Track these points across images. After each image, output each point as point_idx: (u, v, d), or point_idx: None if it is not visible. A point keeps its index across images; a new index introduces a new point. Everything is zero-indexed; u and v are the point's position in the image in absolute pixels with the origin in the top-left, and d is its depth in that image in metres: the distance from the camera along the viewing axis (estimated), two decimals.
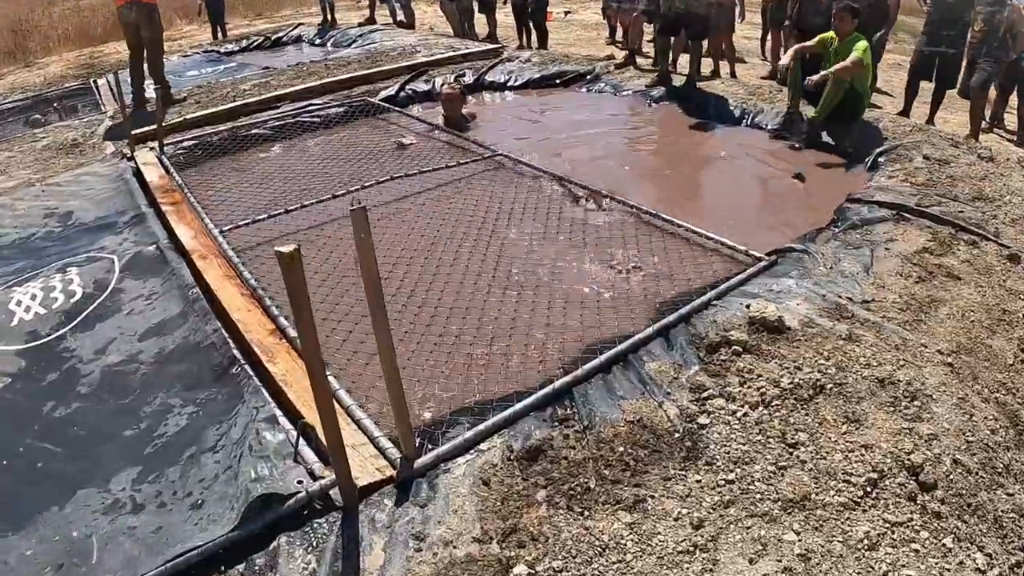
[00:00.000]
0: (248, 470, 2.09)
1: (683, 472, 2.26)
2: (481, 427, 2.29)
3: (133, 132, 5.10)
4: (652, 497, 2.17)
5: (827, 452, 2.25)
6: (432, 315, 3.02)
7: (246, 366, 2.59)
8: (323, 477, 2.14)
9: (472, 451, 2.25)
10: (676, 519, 2.11)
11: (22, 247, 4.06)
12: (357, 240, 1.77)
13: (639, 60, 7.18)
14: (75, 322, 3.16)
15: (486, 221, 3.73)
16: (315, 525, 2.05)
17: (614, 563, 1.99)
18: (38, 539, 2.08)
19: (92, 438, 2.47)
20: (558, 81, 6.47)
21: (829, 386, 2.49)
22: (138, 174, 4.63)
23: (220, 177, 4.68)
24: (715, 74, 6.93)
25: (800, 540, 1.99)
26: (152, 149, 4.92)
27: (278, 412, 2.38)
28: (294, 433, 2.22)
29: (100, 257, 3.65)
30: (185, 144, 5.19)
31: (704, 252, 3.44)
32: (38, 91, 9.03)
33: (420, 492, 2.13)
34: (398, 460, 2.18)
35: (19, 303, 3.39)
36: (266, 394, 2.45)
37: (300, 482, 2.09)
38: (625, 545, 2.03)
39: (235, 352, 2.67)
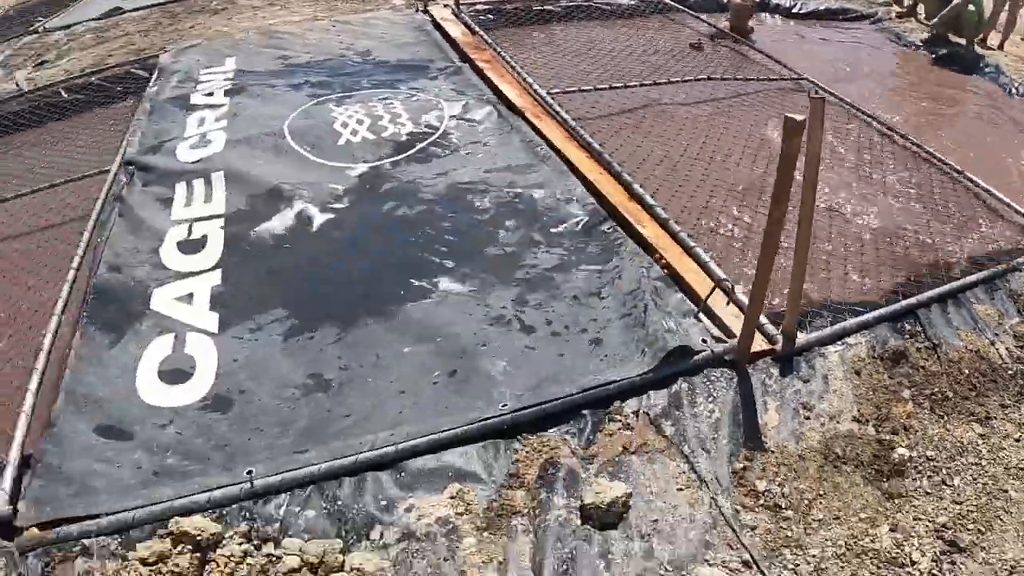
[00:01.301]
0: (658, 321, 2.40)
1: (1017, 404, 2.54)
2: (847, 323, 2.58)
3: None
4: (994, 418, 2.47)
5: None
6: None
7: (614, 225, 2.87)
8: (722, 339, 2.46)
9: (840, 343, 2.55)
10: (1017, 440, 2.41)
11: (322, 71, 4.35)
12: (810, 129, 1.95)
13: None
14: (408, 153, 3.47)
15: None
16: (713, 378, 2.38)
17: (971, 463, 2.30)
18: (415, 338, 2.43)
19: (453, 253, 2.81)
20: (840, 17, 6.28)
21: None
22: (436, 27, 4.80)
23: (519, 46, 4.81)
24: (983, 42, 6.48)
25: None
26: (447, 6, 5.07)
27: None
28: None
29: (424, 98, 3.92)
30: (478, 7, 5.32)
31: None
32: None
33: (800, 368, 2.44)
34: (778, 336, 2.48)
35: (344, 125, 3.70)
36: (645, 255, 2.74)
37: (704, 340, 2.41)
38: (980, 451, 2.33)
39: (599, 208, 2.95)
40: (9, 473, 2.15)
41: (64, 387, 2.38)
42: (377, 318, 2.56)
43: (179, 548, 1.90)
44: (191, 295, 2.77)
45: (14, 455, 2.20)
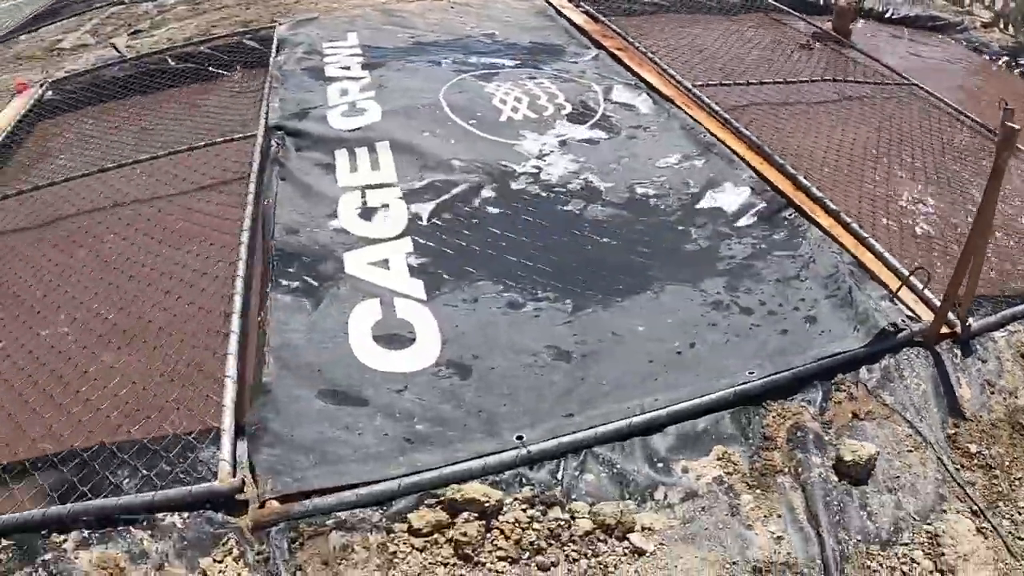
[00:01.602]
0: (864, 301, 2.61)
1: None
2: (1010, 311, 2.82)
3: None
4: None
5: None
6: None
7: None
8: (915, 319, 2.69)
9: (1004, 329, 2.79)
10: None
11: (455, 49, 4.49)
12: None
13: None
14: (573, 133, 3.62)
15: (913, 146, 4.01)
16: (912, 356, 2.61)
17: None
18: (642, 317, 2.59)
19: (646, 243, 2.97)
20: (928, 24, 6.45)
21: None
22: (558, 12, 4.95)
23: (643, 36, 4.89)
24: None
25: None
26: None
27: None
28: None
29: (574, 80, 4.08)
30: None
31: None
32: None
33: (977, 350, 2.68)
34: (956, 321, 2.71)
35: (503, 101, 3.85)
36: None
37: (903, 320, 2.63)
38: None
39: (776, 196, 3.14)
40: (227, 443, 2.13)
41: (272, 352, 2.43)
42: (596, 294, 2.71)
43: (464, 516, 1.95)
44: (386, 261, 2.89)
45: (228, 422, 2.19)
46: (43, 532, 1.98)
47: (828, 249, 2.88)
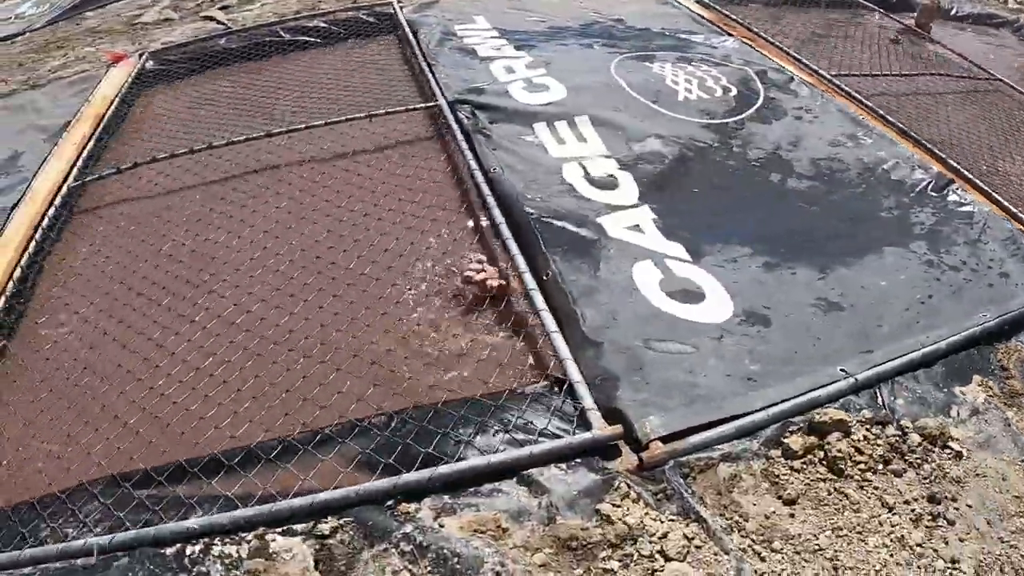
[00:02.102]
0: None
1: None
2: None
3: None
4: None
5: None
6: None
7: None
8: None
9: None
10: None
11: (593, 33, 4.74)
12: None
13: None
14: (745, 114, 3.96)
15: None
16: None
17: None
18: (883, 276, 2.97)
19: (846, 212, 3.35)
20: (987, 21, 7.02)
21: None
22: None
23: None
24: None
25: None
26: None
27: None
28: None
29: (727, 64, 4.41)
30: None
31: None
32: None
33: None
34: None
35: (674, 82, 4.15)
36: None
37: None
38: None
39: (943, 172, 3.56)
40: (586, 393, 2.32)
41: (580, 307, 2.69)
42: (830, 256, 3.07)
43: (833, 436, 2.29)
44: (637, 225, 3.16)
45: (576, 374, 2.39)
46: (387, 504, 2.04)
47: (996, 218, 3.29)
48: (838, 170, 3.63)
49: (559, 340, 2.52)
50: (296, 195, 3.62)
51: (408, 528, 1.99)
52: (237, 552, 1.95)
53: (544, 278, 2.88)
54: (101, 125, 4.82)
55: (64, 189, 4.10)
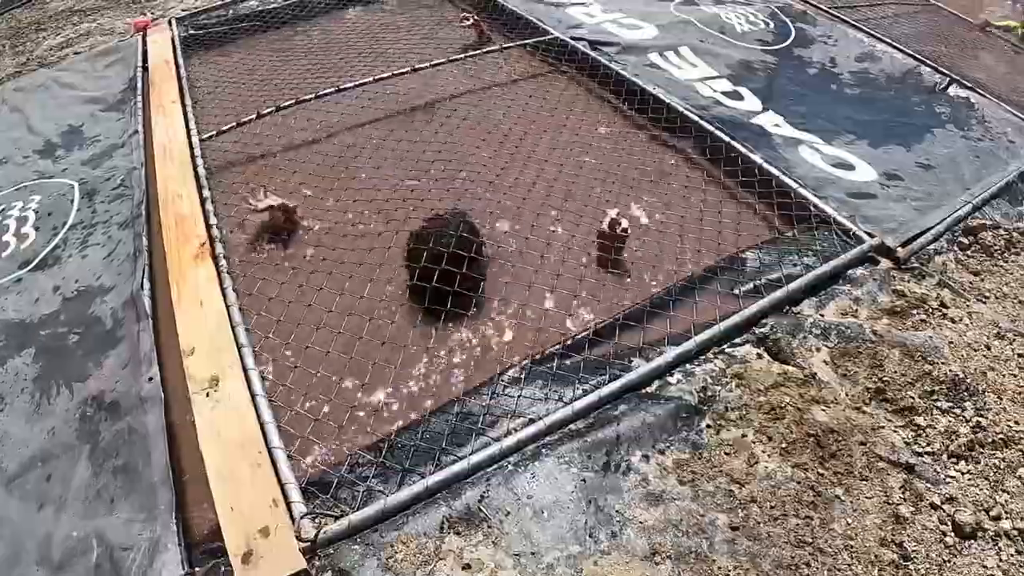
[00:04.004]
0: None
1: None
2: None
3: None
4: None
5: None
6: None
7: None
8: None
9: None
10: None
11: None
12: None
13: None
14: (788, 41, 5.11)
15: None
16: None
17: None
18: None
19: (891, 109, 4.63)
20: None
21: None
22: None
23: None
24: None
25: None
26: None
27: None
28: None
29: (755, 2, 5.49)
30: None
31: None
32: None
33: None
34: None
35: (728, 18, 5.18)
36: None
37: None
38: None
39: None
40: (850, 223, 3.44)
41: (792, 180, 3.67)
42: (903, 137, 4.27)
43: (983, 234, 3.53)
44: (776, 124, 4.16)
45: (836, 215, 3.50)
46: (784, 310, 3.01)
47: (991, 104, 4.71)
48: (872, 79, 4.86)
49: (812, 196, 3.48)
50: (441, 131, 4.09)
51: (808, 321, 2.90)
52: (712, 367, 2.70)
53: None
54: (184, 86, 4.88)
55: (196, 144, 4.23)
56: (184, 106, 4.68)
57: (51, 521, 2.57)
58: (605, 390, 2.55)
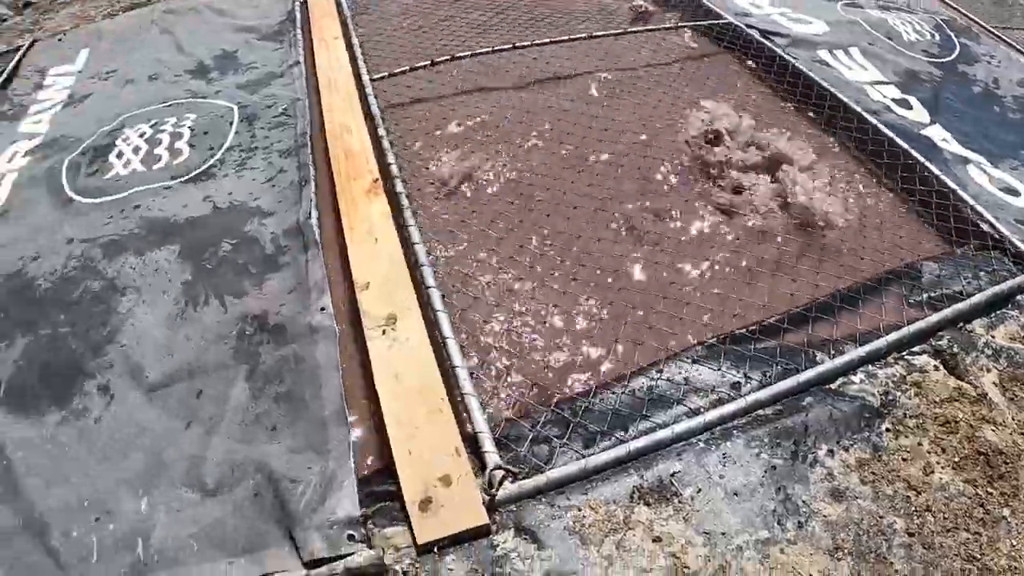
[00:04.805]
0: None
1: None
2: None
3: None
4: None
5: None
6: None
7: None
8: None
9: None
10: None
11: None
12: None
13: None
14: (952, 56, 5.04)
15: None
16: None
17: None
18: None
19: None
20: None
21: None
22: None
23: None
24: None
25: None
26: None
27: None
28: None
29: (918, 11, 5.41)
30: None
31: None
32: None
33: None
34: None
35: (895, 25, 5.14)
36: None
37: None
38: None
39: None
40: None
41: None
42: None
43: None
44: (944, 139, 4.15)
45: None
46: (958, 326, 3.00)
47: None
48: None
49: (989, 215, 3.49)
50: (614, 101, 4.21)
51: (980, 340, 2.98)
52: (893, 372, 2.82)
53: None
54: (349, 24, 5.02)
55: (367, 83, 4.37)
56: (349, 44, 4.83)
57: (201, 441, 2.55)
58: (796, 379, 2.68)
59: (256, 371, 2.73)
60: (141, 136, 4.34)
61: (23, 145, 4.54)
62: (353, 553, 2.12)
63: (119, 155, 4.18)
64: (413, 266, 3.01)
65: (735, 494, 2.36)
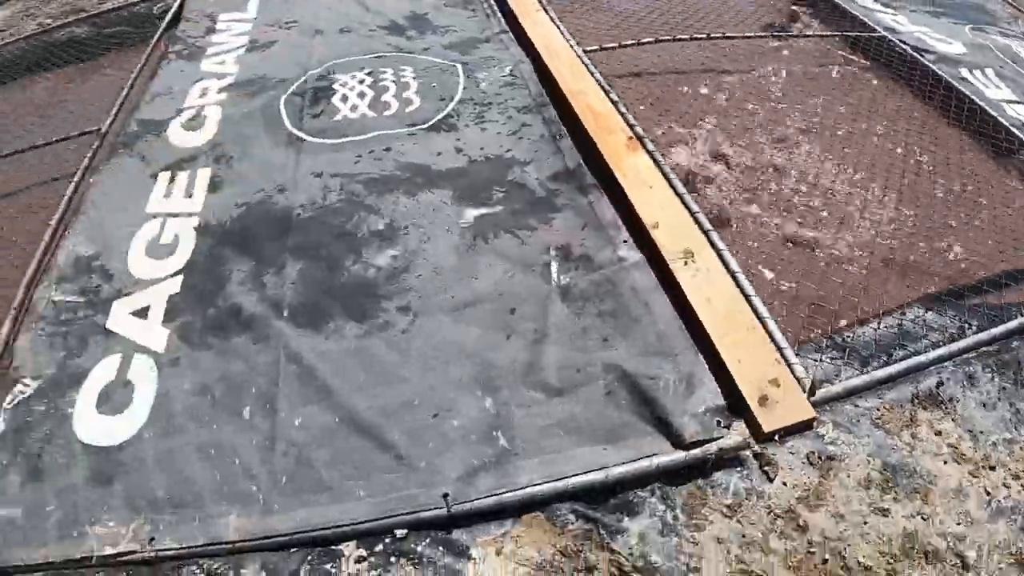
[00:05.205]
0: None
1: None
2: None
3: None
4: None
5: None
6: None
7: None
8: None
9: None
10: None
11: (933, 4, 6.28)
12: None
13: None
14: None
15: None
16: None
17: None
18: None
19: None
20: None
21: None
22: None
23: None
24: None
25: None
26: None
27: None
28: None
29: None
30: None
31: None
32: None
33: None
34: None
35: (1018, 51, 5.83)
36: None
37: None
38: None
39: None
40: None
41: None
42: None
43: None
44: None
45: None
46: None
47: None
48: None
49: None
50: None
51: None
52: None
53: None
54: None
55: (582, 54, 4.94)
56: (551, 17, 5.38)
57: (530, 349, 2.98)
58: (1006, 327, 3.37)
59: (570, 292, 3.28)
60: (361, 83, 4.83)
61: (213, 83, 4.93)
62: (722, 437, 2.69)
63: (344, 99, 4.66)
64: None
65: (983, 404, 3.05)
